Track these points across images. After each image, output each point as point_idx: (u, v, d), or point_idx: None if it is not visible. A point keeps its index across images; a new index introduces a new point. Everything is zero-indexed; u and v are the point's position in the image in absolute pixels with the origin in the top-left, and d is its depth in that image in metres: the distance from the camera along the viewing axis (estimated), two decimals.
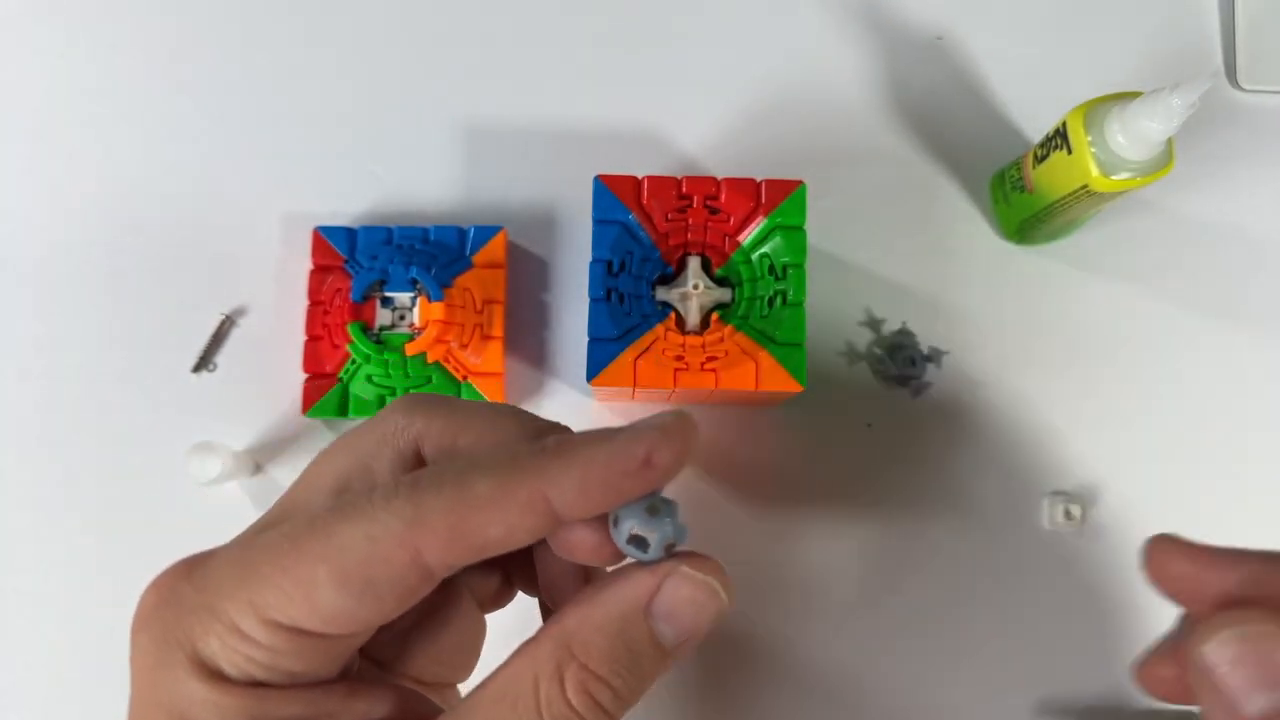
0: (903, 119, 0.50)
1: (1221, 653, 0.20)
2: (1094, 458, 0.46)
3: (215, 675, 0.21)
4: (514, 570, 0.28)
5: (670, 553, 0.22)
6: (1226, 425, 0.47)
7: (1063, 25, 0.51)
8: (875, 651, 0.45)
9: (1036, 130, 0.49)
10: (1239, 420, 0.47)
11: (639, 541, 0.22)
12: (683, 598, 0.22)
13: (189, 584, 0.23)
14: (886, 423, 0.46)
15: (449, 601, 0.27)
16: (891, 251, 0.48)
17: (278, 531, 0.22)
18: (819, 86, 0.50)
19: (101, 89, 0.49)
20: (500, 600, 0.29)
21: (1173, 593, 0.23)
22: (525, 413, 0.25)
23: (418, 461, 0.24)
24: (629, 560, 0.22)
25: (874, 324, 0.47)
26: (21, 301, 0.47)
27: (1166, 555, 0.23)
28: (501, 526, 0.21)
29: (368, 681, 0.24)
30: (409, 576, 0.21)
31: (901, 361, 0.46)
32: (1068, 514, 0.45)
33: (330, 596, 0.20)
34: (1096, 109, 0.40)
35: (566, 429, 0.24)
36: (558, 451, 0.21)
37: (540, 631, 0.22)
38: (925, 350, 0.47)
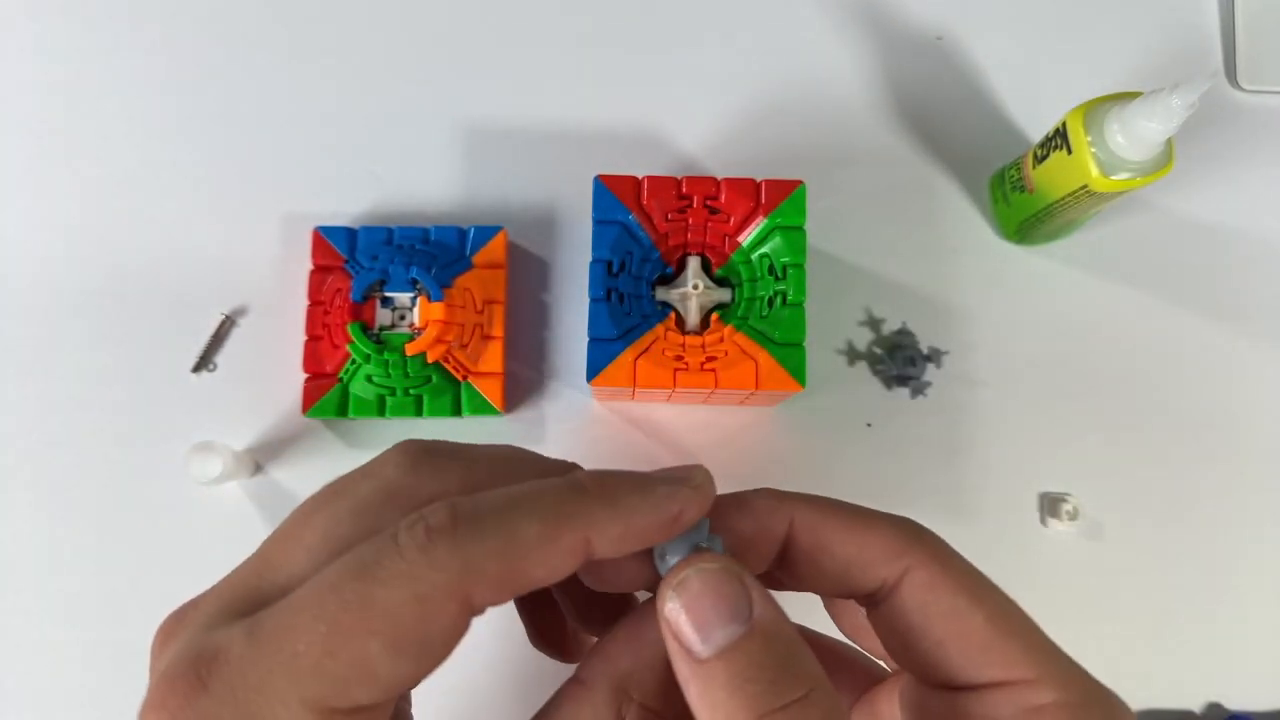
0: (903, 119, 0.50)
1: (670, 606, 0.20)
2: (1093, 457, 0.46)
3: None
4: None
5: None
6: (1226, 424, 0.47)
7: (1063, 25, 0.51)
8: None
9: (1036, 130, 0.49)
10: (1239, 419, 0.47)
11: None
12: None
13: (210, 699, 0.20)
14: (886, 423, 0.46)
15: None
16: (891, 251, 0.48)
17: (296, 613, 0.20)
18: (819, 86, 0.50)
19: (103, 89, 0.49)
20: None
21: None
22: (533, 454, 0.24)
23: None
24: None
25: (874, 324, 0.47)
26: (22, 301, 0.47)
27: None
28: (545, 569, 0.20)
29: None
30: (460, 624, 0.20)
31: (901, 361, 0.46)
32: (1067, 514, 0.45)
33: (388, 667, 0.19)
34: (1096, 109, 0.40)
35: (576, 466, 0.24)
36: (600, 497, 0.21)
37: (587, 675, 0.22)
38: (925, 350, 0.47)
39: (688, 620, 0.20)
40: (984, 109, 0.50)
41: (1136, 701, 0.43)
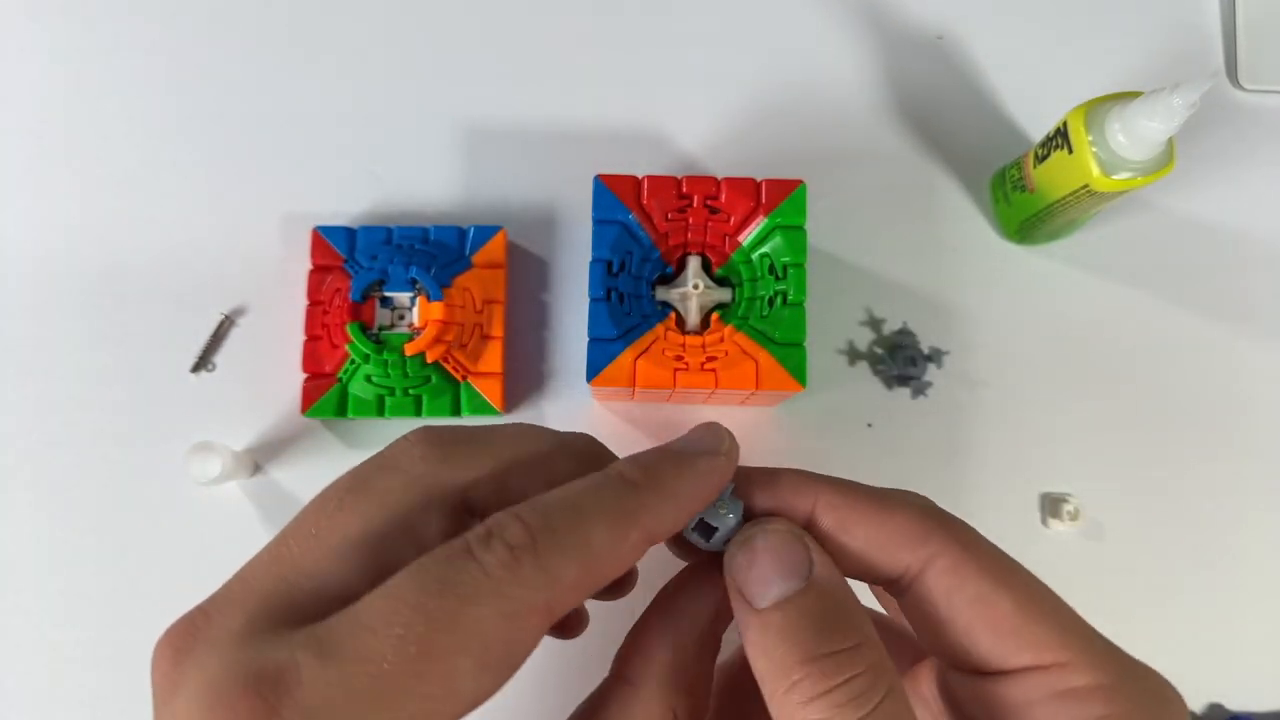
0: (903, 119, 0.50)
1: (736, 562, 0.22)
2: (1093, 457, 0.46)
3: None
4: None
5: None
6: (1227, 424, 0.47)
7: (1063, 25, 0.51)
8: None
9: (1036, 130, 0.49)
10: (1239, 419, 0.47)
11: (706, 530, 0.23)
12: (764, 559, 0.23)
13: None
14: (886, 422, 0.46)
15: None
16: (892, 251, 0.48)
17: (380, 630, 0.19)
18: (819, 86, 0.50)
19: (103, 89, 0.49)
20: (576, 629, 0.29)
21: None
22: (545, 429, 0.24)
23: (463, 511, 0.23)
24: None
25: (874, 324, 0.47)
26: (21, 301, 0.47)
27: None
28: (617, 568, 0.21)
29: None
30: (541, 635, 0.20)
31: (902, 361, 0.46)
32: (1068, 514, 0.45)
33: (473, 684, 0.19)
34: (1097, 109, 0.39)
35: (587, 436, 0.25)
36: (652, 488, 0.22)
37: (631, 673, 0.23)
38: (925, 350, 0.47)
39: (750, 575, 0.21)
40: (984, 109, 0.50)
41: None
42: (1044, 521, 0.46)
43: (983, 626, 0.21)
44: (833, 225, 0.48)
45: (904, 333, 0.47)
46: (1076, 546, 0.45)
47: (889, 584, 0.22)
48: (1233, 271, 0.48)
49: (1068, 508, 0.45)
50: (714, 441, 0.23)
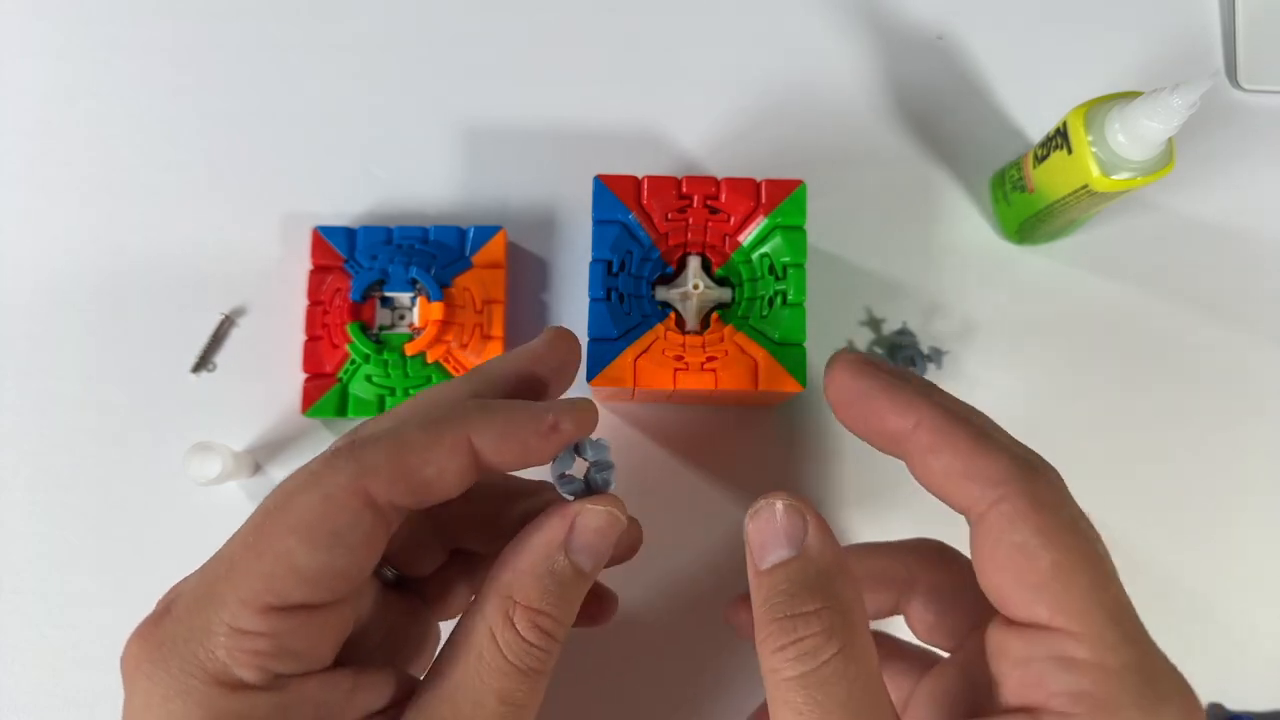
0: (903, 118, 0.50)
1: (749, 528, 0.25)
2: (1094, 457, 0.46)
3: (236, 685, 0.22)
4: (475, 576, 0.32)
5: (591, 487, 0.27)
6: (1227, 423, 0.47)
7: (1063, 25, 0.51)
8: None
9: (1036, 130, 0.49)
10: (1239, 419, 0.47)
11: (566, 480, 0.27)
12: (591, 529, 0.26)
13: (171, 620, 0.23)
14: None
15: (413, 619, 0.30)
16: (891, 251, 0.48)
17: (232, 540, 0.24)
18: (819, 86, 0.50)
19: (102, 89, 0.49)
20: (456, 607, 0.32)
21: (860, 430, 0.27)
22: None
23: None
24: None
25: (874, 324, 0.47)
26: (21, 301, 0.47)
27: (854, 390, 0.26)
28: (434, 466, 0.24)
29: (368, 668, 0.26)
30: (365, 519, 0.23)
31: (902, 361, 0.46)
32: None
33: (306, 558, 0.23)
34: (1097, 109, 0.40)
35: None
36: (480, 406, 0.25)
37: (479, 594, 0.25)
38: (925, 350, 0.47)
39: (757, 541, 0.24)
40: (984, 109, 0.50)
41: None
42: None
43: (1014, 573, 0.22)
44: (832, 225, 0.48)
45: (903, 333, 0.47)
46: None
47: (964, 511, 0.24)
48: (1233, 271, 0.48)
49: None
50: (564, 399, 0.27)
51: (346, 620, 0.25)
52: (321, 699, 0.24)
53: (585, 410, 0.26)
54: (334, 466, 0.23)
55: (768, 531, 0.24)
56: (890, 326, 0.47)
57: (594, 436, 0.27)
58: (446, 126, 0.49)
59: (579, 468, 0.27)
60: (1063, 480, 0.24)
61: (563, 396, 0.29)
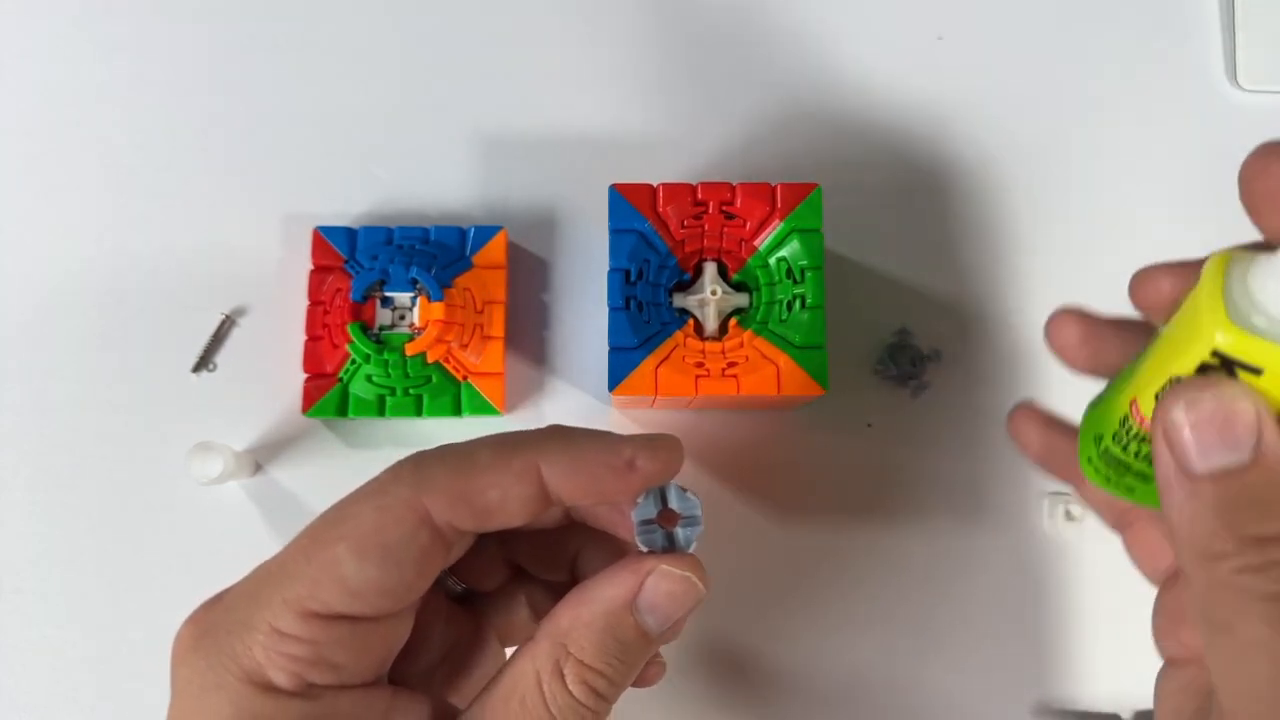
0: (904, 118, 0.50)
1: (1173, 417, 0.20)
2: None
3: (267, 687, 0.22)
4: (537, 601, 0.30)
5: (672, 543, 0.25)
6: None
7: (1063, 24, 0.51)
8: (872, 650, 0.45)
9: (1036, 129, 0.49)
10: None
11: (647, 529, 0.25)
12: (663, 591, 0.24)
13: (220, 608, 0.23)
14: (886, 423, 0.46)
15: (475, 636, 0.29)
16: (891, 251, 0.48)
17: (293, 542, 0.23)
18: (819, 86, 0.50)
19: (102, 89, 0.49)
20: (522, 632, 0.30)
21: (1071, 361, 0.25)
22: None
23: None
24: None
25: (874, 324, 0.47)
26: (21, 301, 0.47)
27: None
28: (498, 490, 0.23)
29: (408, 689, 0.25)
30: (420, 536, 0.22)
31: (902, 361, 0.46)
32: (1068, 514, 0.45)
33: (354, 569, 0.22)
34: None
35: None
36: (554, 434, 0.24)
37: (538, 632, 0.24)
38: (926, 350, 0.47)
39: (1191, 436, 0.20)
40: (984, 108, 0.50)
41: (1140, 701, 0.43)
42: (1047, 522, 0.46)
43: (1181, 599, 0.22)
44: (832, 225, 0.47)
45: (904, 333, 0.47)
46: (1078, 547, 0.45)
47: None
48: None
49: (1069, 508, 0.45)
50: (647, 435, 0.25)
51: (394, 637, 0.24)
52: (353, 715, 0.23)
53: (668, 449, 0.25)
54: (396, 479, 0.23)
55: (1213, 427, 0.19)
56: (891, 326, 0.47)
57: (685, 489, 0.25)
58: (448, 127, 0.49)
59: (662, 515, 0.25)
60: None
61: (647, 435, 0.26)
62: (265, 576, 0.23)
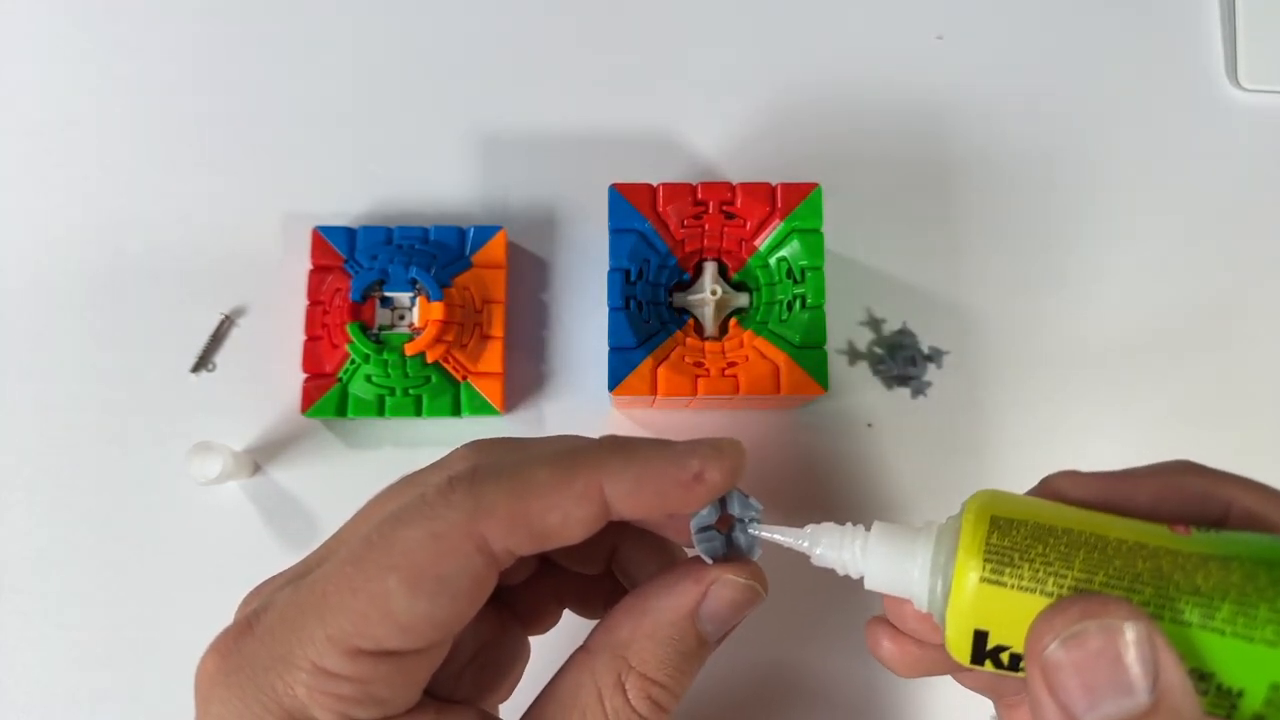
0: (906, 118, 0.50)
1: (1074, 652, 0.17)
2: (1096, 458, 0.46)
3: None
4: (566, 593, 0.29)
5: (733, 548, 0.24)
6: (1228, 425, 0.47)
7: (1062, 25, 0.51)
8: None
9: (1036, 129, 0.49)
10: (1240, 420, 0.47)
11: (706, 536, 0.23)
12: (726, 600, 0.23)
13: (253, 639, 0.21)
14: (886, 423, 0.46)
15: (501, 631, 0.28)
16: (891, 251, 0.48)
17: (331, 562, 0.21)
18: (819, 86, 0.50)
19: (101, 88, 0.49)
20: (548, 623, 0.29)
21: None
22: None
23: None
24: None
25: (874, 324, 0.47)
26: (20, 301, 0.47)
27: None
28: (559, 513, 0.21)
29: (448, 701, 0.23)
30: (476, 565, 0.21)
31: (902, 361, 0.46)
32: None
33: (406, 603, 0.20)
34: None
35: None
36: (615, 448, 0.22)
37: (592, 643, 0.23)
38: (926, 350, 0.47)
39: (1076, 679, 0.17)
40: (984, 108, 0.50)
41: None
42: None
43: None
44: (833, 225, 0.47)
45: (904, 333, 0.47)
46: None
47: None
48: (1231, 272, 0.48)
49: None
50: (709, 439, 0.23)
51: (437, 660, 0.22)
52: None
53: (735, 456, 0.23)
54: (449, 501, 0.21)
55: (1100, 669, 0.17)
56: (890, 326, 0.47)
57: (746, 494, 0.24)
58: (447, 126, 0.49)
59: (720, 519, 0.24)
60: None
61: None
62: (304, 605, 0.21)
